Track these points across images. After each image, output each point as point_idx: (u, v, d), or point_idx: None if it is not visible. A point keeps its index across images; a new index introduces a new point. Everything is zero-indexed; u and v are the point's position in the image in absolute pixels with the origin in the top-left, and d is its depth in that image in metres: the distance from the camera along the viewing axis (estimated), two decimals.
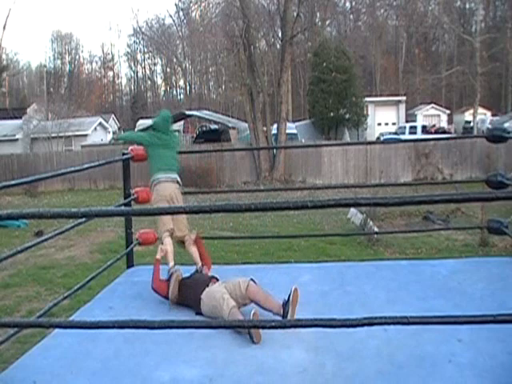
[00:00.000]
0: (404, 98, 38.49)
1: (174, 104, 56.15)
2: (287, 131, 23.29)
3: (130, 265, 4.88)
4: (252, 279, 3.61)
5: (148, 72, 68.34)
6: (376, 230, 10.44)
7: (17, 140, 30.57)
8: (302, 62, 47.30)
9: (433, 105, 39.88)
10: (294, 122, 33.09)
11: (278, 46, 29.31)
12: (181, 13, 56.66)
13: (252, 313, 3.25)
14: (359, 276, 4.33)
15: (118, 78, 71.12)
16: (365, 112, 32.24)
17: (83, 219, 4.21)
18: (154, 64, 67.62)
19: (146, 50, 66.31)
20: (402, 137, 29.75)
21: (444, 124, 38.46)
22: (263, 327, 2.62)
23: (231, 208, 1.83)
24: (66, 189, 21.31)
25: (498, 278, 4.07)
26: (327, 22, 41.58)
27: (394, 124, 35.47)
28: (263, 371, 2.84)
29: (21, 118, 33.04)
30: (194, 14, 50.27)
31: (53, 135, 28.21)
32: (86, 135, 32.34)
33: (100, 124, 36.09)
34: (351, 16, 51.43)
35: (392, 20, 52.81)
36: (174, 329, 2.06)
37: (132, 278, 4.49)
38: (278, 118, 22.33)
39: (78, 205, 16.62)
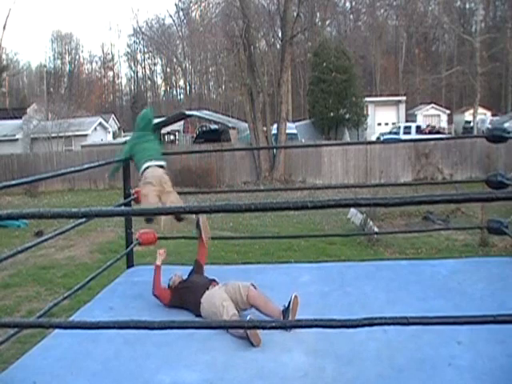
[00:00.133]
0: (404, 98, 38.48)
1: (173, 104, 56.20)
2: (287, 131, 23.29)
3: (130, 265, 4.88)
4: (252, 284, 3.60)
5: (148, 72, 68.37)
6: (376, 230, 10.44)
7: (17, 140, 30.56)
8: (302, 61, 47.28)
9: (433, 105, 39.87)
10: (294, 121, 33.09)
11: (278, 46, 29.32)
12: (181, 13, 56.69)
13: (248, 318, 3.23)
14: (359, 276, 4.32)
15: (118, 78, 71.20)
16: (365, 112, 32.24)
17: (83, 219, 4.21)
18: (154, 64, 67.68)
19: (146, 49, 66.32)
20: (396, 137, 29.80)
21: (444, 124, 38.44)
22: (263, 327, 2.61)
23: (231, 208, 1.83)
24: (66, 189, 21.30)
25: (498, 278, 4.07)
26: (327, 22, 41.57)
27: (393, 124, 35.42)
28: (263, 375, 2.83)
29: (21, 118, 33.02)
30: (194, 14, 50.32)
31: (53, 135, 28.20)
32: (86, 135, 32.33)
33: (100, 124, 36.07)
34: (351, 16, 51.42)
35: (392, 20, 52.80)
36: (174, 329, 2.06)
37: (132, 278, 4.49)
38: (278, 118, 22.33)
39: (78, 205, 16.62)
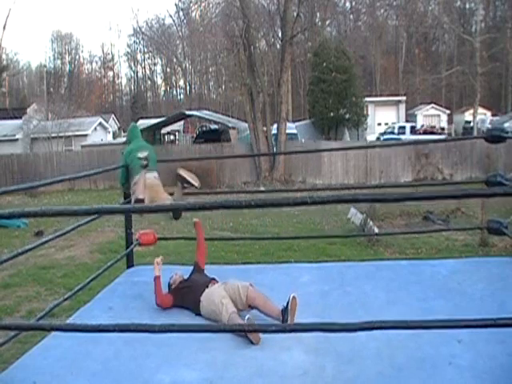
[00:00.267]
0: (404, 98, 38.48)
1: (173, 104, 56.20)
2: (287, 131, 23.29)
3: (130, 265, 4.88)
4: (251, 284, 3.60)
5: (148, 72, 68.37)
6: (376, 230, 10.43)
7: (17, 140, 30.55)
8: (302, 61, 47.28)
9: (433, 105, 39.87)
10: (294, 122, 33.08)
11: (278, 46, 29.33)
12: (181, 13, 56.69)
13: (246, 318, 3.23)
14: (359, 276, 4.32)
15: (118, 78, 71.18)
16: (365, 112, 32.23)
17: (84, 220, 4.22)
18: (154, 64, 67.67)
19: (146, 49, 66.31)
20: (385, 137, 29.77)
21: (444, 124, 38.44)
22: (264, 331, 2.63)
23: (231, 205, 1.83)
24: (66, 189, 21.30)
25: (498, 278, 4.07)
26: (327, 22, 41.55)
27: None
28: (263, 373, 2.84)
29: (21, 118, 33.01)
30: (194, 14, 50.30)
31: (53, 135, 28.20)
32: (86, 135, 32.33)
33: (100, 124, 36.08)
34: (351, 16, 51.42)
35: (392, 20, 52.80)
36: (174, 332, 2.06)
37: (132, 278, 4.49)
38: (278, 118, 22.33)
39: (78, 205, 16.61)
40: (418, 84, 37.66)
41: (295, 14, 22.41)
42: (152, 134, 30.19)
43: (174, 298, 3.82)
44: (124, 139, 34.08)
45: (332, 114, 30.23)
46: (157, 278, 3.86)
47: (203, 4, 36.19)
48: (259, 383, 2.76)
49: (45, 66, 60.66)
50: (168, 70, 65.04)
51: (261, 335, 3.18)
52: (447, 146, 20.22)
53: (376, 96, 41.23)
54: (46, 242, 3.67)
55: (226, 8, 25.69)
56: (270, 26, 30.70)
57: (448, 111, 40.14)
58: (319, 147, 21.15)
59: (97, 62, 69.72)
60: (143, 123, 33.90)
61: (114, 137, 40.69)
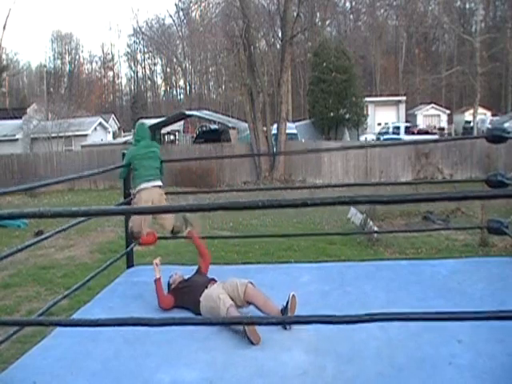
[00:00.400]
0: (404, 98, 38.48)
1: (173, 104, 56.20)
2: (287, 131, 23.29)
3: (130, 265, 4.88)
4: (250, 282, 3.60)
5: (148, 72, 68.39)
6: (376, 230, 10.43)
7: (17, 140, 30.56)
8: (302, 61, 47.28)
9: (433, 105, 39.88)
10: (294, 121, 33.08)
11: (278, 46, 29.33)
12: (181, 13, 56.72)
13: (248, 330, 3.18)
14: (359, 276, 4.32)
15: (118, 78, 71.21)
16: (365, 112, 32.22)
17: (83, 218, 4.22)
18: (154, 64, 67.69)
19: (146, 49, 66.33)
20: (385, 137, 29.71)
21: (444, 124, 38.45)
22: (261, 323, 2.61)
23: (231, 206, 1.83)
24: (66, 189, 21.29)
25: (498, 278, 4.07)
26: (327, 22, 41.57)
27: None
28: (263, 373, 2.83)
29: (21, 118, 33.01)
30: (194, 14, 50.33)
31: (53, 135, 28.20)
32: (86, 135, 32.33)
33: (100, 124, 36.07)
34: (351, 16, 51.44)
35: (392, 20, 52.80)
36: (173, 326, 2.06)
37: (132, 278, 4.49)
38: (278, 118, 22.33)
39: (78, 205, 16.62)
40: (417, 84, 37.66)
41: (295, 14, 22.42)
42: (152, 134, 30.15)
43: (175, 299, 3.83)
44: (124, 139, 34.13)
45: (332, 114, 30.23)
46: (157, 281, 3.86)
47: (203, 4, 36.22)
48: (259, 383, 2.76)
49: (45, 66, 60.72)
50: (168, 70, 65.05)
51: (260, 335, 3.18)
52: (447, 145, 20.22)
53: (376, 96, 41.23)
54: (45, 239, 3.66)
55: (226, 8, 25.70)
56: (270, 26, 30.70)
57: (448, 111, 40.14)
58: (319, 147, 21.14)
59: (97, 62, 69.83)
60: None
61: (114, 137, 40.68)
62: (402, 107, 37.68)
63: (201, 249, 4.30)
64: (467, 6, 46.10)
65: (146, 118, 42.15)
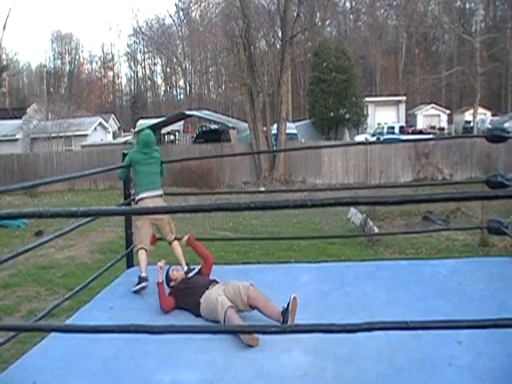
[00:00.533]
0: (404, 98, 38.47)
1: (173, 104, 56.18)
2: (287, 131, 23.29)
3: (130, 265, 4.88)
4: (251, 284, 3.59)
5: (148, 72, 68.37)
6: (376, 230, 10.44)
7: (17, 140, 30.55)
8: (302, 61, 47.27)
9: (433, 105, 39.88)
10: (294, 122, 33.08)
11: (278, 46, 29.32)
12: (181, 13, 56.71)
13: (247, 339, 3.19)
14: (359, 276, 4.32)
15: (118, 78, 71.20)
16: (365, 112, 32.22)
17: (84, 220, 4.23)
18: (154, 64, 67.67)
19: (146, 49, 66.31)
20: (385, 137, 29.63)
21: (444, 124, 38.45)
22: (263, 333, 2.62)
23: (231, 207, 1.82)
24: (66, 189, 21.29)
25: (498, 278, 4.07)
26: (327, 22, 41.57)
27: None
28: (263, 375, 2.83)
29: (21, 118, 33.01)
30: (194, 14, 50.32)
31: (53, 135, 28.19)
32: (86, 135, 32.31)
33: (100, 124, 36.06)
34: (351, 16, 51.44)
35: (392, 20, 52.79)
36: (174, 333, 2.06)
37: (132, 279, 4.49)
38: (278, 118, 22.33)
39: (78, 205, 16.62)
40: (418, 84, 37.65)
41: (295, 14, 22.41)
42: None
43: (176, 300, 3.82)
44: (124, 139, 34.12)
45: (332, 114, 30.23)
46: (160, 284, 3.85)
47: (203, 4, 36.22)
48: None
49: (45, 66, 60.71)
50: (168, 69, 65.04)
51: (258, 338, 3.17)
52: (447, 145, 20.22)
53: (376, 96, 41.22)
54: (46, 242, 3.67)
55: (226, 8, 25.70)
56: (270, 26, 30.69)
57: (448, 111, 40.14)
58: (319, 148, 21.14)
59: (97, 62, 69.81)
60: (143, 123, 33.87)
61: (114, 137, 40.68)
62: (402, 107, 37.68)
63: (203, 254, 4.28)
64: (467, 5, 46.11)
65: (146, 117, 42.18)
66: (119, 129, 46.83)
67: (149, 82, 68.20)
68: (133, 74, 69.29)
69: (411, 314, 3.20)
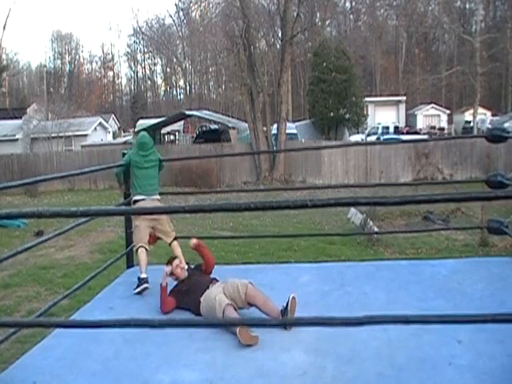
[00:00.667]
0: (404, 98, 38.49)
1: (173, 104, 56.18)
2: (287, 131, 23.28)
3: (130, 265, 4.88)
4: (250, 282, 3.60)
5: (148, 72, 68.39)
6: (376, 230, 10.43)
7: (17, 140, 30.55)
8: (302, 61, 47.27)
9: (433, 105, 39.89)
10: (294, 122, 33.09)
11: (278, 46, 29.31)
12: (181, 13, 56.71)
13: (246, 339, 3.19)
14: (359, 276, 4.33)
15: (118, 78, 71.23)
16: (365, 112, 32.22)
17: (84, 219, 4.23)
18: (154, 64, 67.70)
19: (146, 49, 66.33)
20: (373, 137, 29.62)
21: (444, 124, 38.46)
22: (263, 325, 2.61)
23: (231, 207, 1.82)
24: (66, 189, 21.29)
25: (498, 278, 4.07)
26: (327, 22, 41.55)
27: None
28: (263, 374, 2.83)
29: (21, 118, 33.01)
30: (194, 14, 50.30)
31: (53, 135, 28.20)
32: (86, 135, 32.32)
33: (100, 124, 36.06)
34: (351, 16, 51.42)
35: (392, 20, 52.80)
36: (174, 327, 2.06)
37: (132, 279, 4.49)
38: (278, 118, 22.32)
39: (78, 205, 16.62)
40: (418, 84, 37.67)
41: (295, 14, 22.40)
42: (152, 134, 30.20)
43: (177, 300, 3.82)
44: (124, 139, 34.12)
45: (332, 114, 30.23)
46: (163, 288, 3.83)
47: (203, 4, 36.20)
48: None
49: (45, 66, 60.71)
50: (168, 70, 65.04)
51: (258, 336, 3.17)
52: (447, 145, 20.22)
53: (376, 96, 41.24)
54: (45, 241, 3.67)
55: (226, 8, 25.69)
56: (270, 26, 30.69)
57: (448, 111, 40.15)
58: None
59: (97, 62, 69.84)
60: (143, 123, 33.88)
61: (114, 137, 40.68)
62: (402, 107, 37.70)
63: (207, 259, 4.25)
64: (467, 6, 46.14)
65: (146, 117, 42.17)
66: (119, 129, 46.84)
67: (149, 82, 68.23)
68: (133, 74, 69.38)
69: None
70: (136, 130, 33.46)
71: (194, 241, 4.30)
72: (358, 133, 31.09)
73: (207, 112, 34.11)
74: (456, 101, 46.72)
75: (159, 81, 68.35)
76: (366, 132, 31.41)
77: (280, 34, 26.22)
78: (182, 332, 3.22)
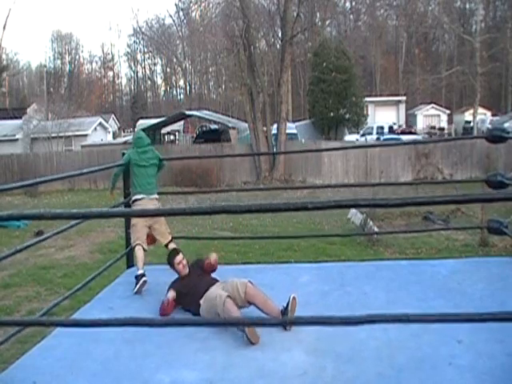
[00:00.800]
0: (404, 98, 38.50)
1: (173, 104, 56.18)
2: (287, 131, 23.29)
3: (130, 265, 4.88)
4: (250, 281, 3.59)
5: (148, 72, 68.39)
6: (376, 230, 10.43)
7: (17, 140, 30.55)
8: (302, 61, 47.28)
9: (433, 105, 39.90)
10: (294, 122, 33.09)
11: (278, 46, 29.31)
12: (181, 13, 56.74)
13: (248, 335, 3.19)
14: (359, 276, 4.33)
15: (118, 78, 71.24)
16: (365, 112, 32.21)
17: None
18: (154, 64, 67.70)
19: (146, 49, 66.34)
20: (368, 137, 29.58)
21: (444, 124, 38.46)
22: (264, 325, 2.61)
23: (232, 209, 1.82)
24: (66, 189, 21.29)
25: (498, 278, 4.07)
26: (327, 22, 41.54)
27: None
28: (263, 374, 2.83)
29: (21, 118, 33.01)
30: (194, 14, 50.34)
31: (53, 135, 28.19)
32: (86, 135, 32.32)
33: (100, 124, 36.06)
34: (351, 16, 51.42)
35: (392, 20, 52.82)
36: (174, 326, 2.06)
37: (132, 279, 4.49)
38: (278, 118, 22.32)
39: (78, 205, 16.63)
40: (417, 84, 37.64)
41: (295, 14, 22.40)
42: (152, 134, 30.21)
43: (176, 302, 3.81)
44: (124, 139, 34.12)
45: (332, 114, 30.23)
46: (170, 302, 3.76)
47: (203, 4, 36.21)
48: None
49: (45, 66, 60.69)
50: (168, 69, 65.05)
51: (259, 336, 3.17)
52: (447, 145, 20.21)
53: (376, 96, 41.25)
54: (44, 239, 3.67)
55: (226, 8, 25.69)
56: (270, 26, 30.70)
57: (448, 111, 40.16)
58: (319, 147, 21.14)
59: (97, 62, 69.85)
60: (143, 123, 33.88)
61: (114, 137, 40.68)
62: (402, 107, 37.71)
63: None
64: (467, 6, 46.12)
65: (146, 117, 42.18)
66: (119, 129, 46.85)
67: (149, 82, 68.23)
68: (133, 74, 69.37)
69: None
70: (136, 130, 33.45)
71: (213, 257, 4.09)
72: (352, 133, 31.03)
73: (207, 112, 34.12)
74: (456, 101, 46.73)
75: (159, 81, 68.44)
76: (361, 132, 31.32)
77: (280, 34, 26.22)
78: (182, 332, 3.22)
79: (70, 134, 29.69)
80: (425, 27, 44.31)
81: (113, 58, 69.98)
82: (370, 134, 30.47)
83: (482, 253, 8.89)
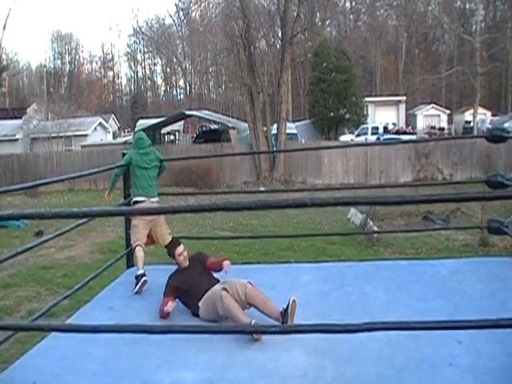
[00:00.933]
0: (404, 98, 38.47)
1: (173, 104, 56.17)
2: (287, 131, 23.28)
3: (130, 265, 4.88)
4: (249, 282, 3.59)
5: (148, 72, 68.36)
6: (376, 229, 10.43)
7: (17, 140, 30.54)
8: (302, 61, 47.25)
9: (433, 105, 39.88)
10: (294, 122, 33.08)
11: (278, 46, 29.30)
12: (181, 13, 56.71)
13: (253, 322, 3.22)
14: (359, 276, 4.33)
15: (118, 78, 71.19)
16: (365, 112, 32.20)
17: (84, 220, 4.23)
18: (154, 64, 67.65)
19: (146, 49, 66.29)
20: (364, 138, 29.52)
21: (444, 124, 38.45)
22: (264, 332, 2.61)
23: (232, 207, 1.82)
24: (66, 189, 21.29)
25: (498, 278, 4.07)
26: (327, 22, 41.49)
27: (393, 124, 35.15)
28: (264, 374, 2.83)
29: (21, 118, 33.00)
30: (194, 14, 50.32)
31: (53, 135, 28.18)
32: (86, 135, 32.31)
33: (100, 124, 36.05)
34: (351, 16, 51.38)
35: (392, 20, 52.78)
36: (174, 333, 2.06)
37: (132, 279, 4.49)
38: (278, 118, 22.32)
39: (78, 205, 16.62)
40: (417, 84, 37.64)
41: (295, 14, 22.40)
42: (152, 134, 30.22)
43: (176, 296, 3.79)
44: (124, 139, 34.13)
45: (332, 114, 30.22)
46: (168, 301, 3.75)
47: (203, 4, 36.19)
48: None
49: (45, 66, 60.67)
50: (168, 69, 65.02)
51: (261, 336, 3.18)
52: (447, 145, 20.21)
53: (376, 96, 41.24)
54: (46, 241, 3.67)
55: (226, 8, 25.68)
56: (270, 26, 30.69)
57: (448, 111, 40.14)
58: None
59: (97, 62, 69.80)
60: (143, 123, 33.86)
61: (114, 137, 40.67)
62: (402, 107, 37.69)
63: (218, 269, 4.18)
64: (467, 6, 46.11)
65: (146, 117, 42.16)
66: (119, 129, 46.84)
67: (149, 82, 68.20)
68: (133, 74, 69.34)
69: (411, 314, 3.21)
70: (136, 130, 33.47)
71: (226, 264, 4.00)
72: (343, 133, 30.96)
73: (207, 112, 34.11)
74: (456, 101, 46.71)
75: (159, 81, 68.40)
76: (356, 132, 31.26)
77: (280, 34, 26.23)
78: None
79: (70, 134, 29.68)
80: (425, 27, 44.27)
81: (113, 58, 70.01)
82: (365, 134, 30.45)
83: (482, 253, 8.89)
